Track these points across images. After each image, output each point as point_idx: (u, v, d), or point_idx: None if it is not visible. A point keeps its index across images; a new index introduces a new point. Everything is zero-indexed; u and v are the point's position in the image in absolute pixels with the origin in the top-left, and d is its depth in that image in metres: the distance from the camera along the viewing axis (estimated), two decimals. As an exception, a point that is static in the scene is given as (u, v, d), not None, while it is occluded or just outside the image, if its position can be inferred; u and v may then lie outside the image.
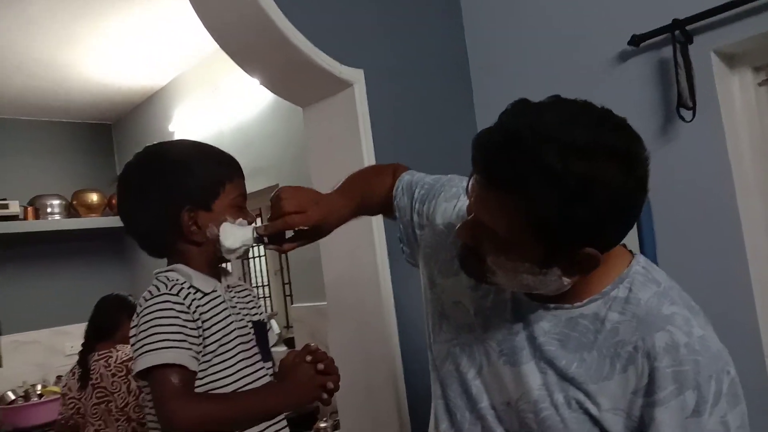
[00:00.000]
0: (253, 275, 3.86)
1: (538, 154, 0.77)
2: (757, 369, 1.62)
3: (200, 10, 1.77)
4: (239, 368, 1.16)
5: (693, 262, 1.72)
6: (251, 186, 3.95)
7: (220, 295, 1.19)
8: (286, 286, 3.55)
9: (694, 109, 1.66)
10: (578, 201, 0.77)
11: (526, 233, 0.81)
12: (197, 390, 1.10)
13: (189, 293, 1.13)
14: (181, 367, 1.05)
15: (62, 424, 2.27)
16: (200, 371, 1.11)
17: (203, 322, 1.12)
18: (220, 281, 1.22)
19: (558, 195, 0.77)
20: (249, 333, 1.21)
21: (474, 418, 1.02)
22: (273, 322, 3.43)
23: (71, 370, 2.29)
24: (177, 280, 1.15)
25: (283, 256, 3.49)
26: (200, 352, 1.11)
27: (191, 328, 1.10)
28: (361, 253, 1.87)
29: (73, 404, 2.23)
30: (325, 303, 2.03)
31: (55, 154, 4.34)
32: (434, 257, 1.13)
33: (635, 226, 1.79)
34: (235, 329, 1.17)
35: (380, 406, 1.85)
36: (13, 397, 3.57)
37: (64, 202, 3.93)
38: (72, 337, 3.95)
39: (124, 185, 1.22)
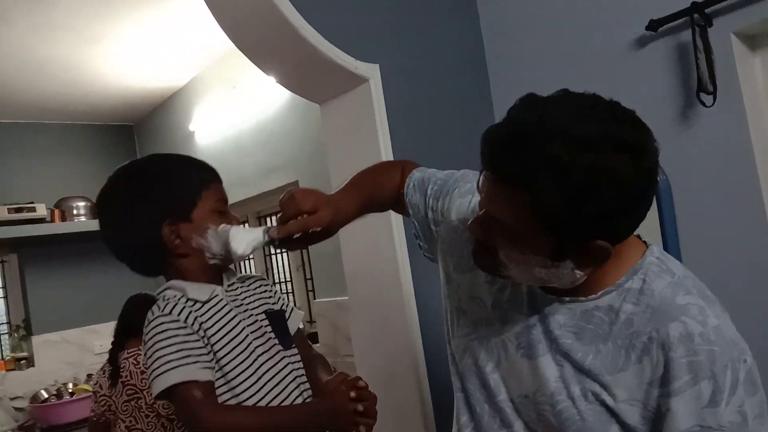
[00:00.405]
0: (275, 271, 3.89)
1: (544, 147, 0.77)
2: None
3: (215, 9, 1.78)
4: (259, 363, 1.16)
5: (716, 250, 1.70)
6: (270, 183, 3.96)
7: (221, 299, 1.18)
8: (308, 282, 3.57)
9: (714, 93, 1.63)
10: (586, 194, 0.77)
11: (535, 227, 0.82)
12: (224, 395, 1.11)
13: (185, 307, 1.13)
14: (193, 382, 1.06)
15: (94, 421, 2.32)
16: (220, 377, 1.12)
17: (206, 330, 1.12)
18: (221, 283, 1.22)
19: (566, 188, 0.77)
20: (261, 326, 1.21)
21: (493, 411, 1.03)
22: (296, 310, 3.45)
23: (102, 368, 2.33)
24: (173, 296, 1.15)
25: (305, 252, 3.51)
26: (212, 359, 1.11)
27: (193, 341, 1.10)
28: (380, 246, 1.88)
29: (104, 401, 2.27)
30: (347, 298, 2.04)
31: (79, 156, 4.41)
32: (450, 253, 1.13)
33: (657, 214, 1.78)
34: (244, 327, 1.17)
35: (403, 399, 1.86)
36: (46, 395, 3.65)
37: (89, 204, 4.00)
38: (101, 335, 4.03)
39: (101, 212, 1.22)
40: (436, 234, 1.18)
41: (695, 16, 1.65)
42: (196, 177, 1.20)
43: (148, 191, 1.17)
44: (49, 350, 3.99)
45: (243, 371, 1.14)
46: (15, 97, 3.76)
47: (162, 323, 1.11)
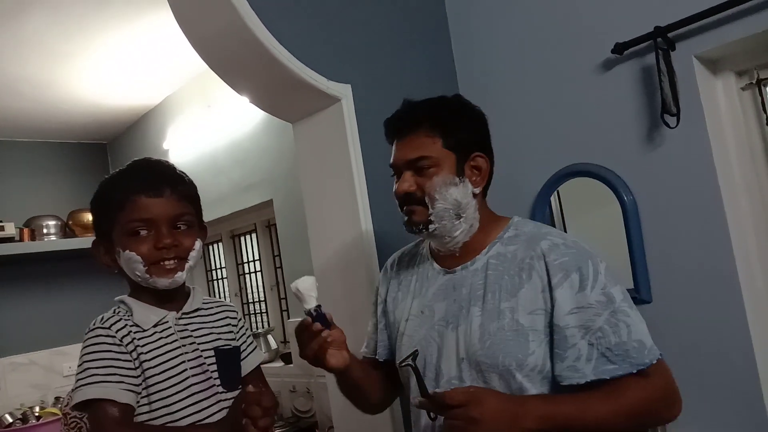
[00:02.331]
0: (249, 290, 3.86)
1: (442, 103, 1.29)
2: (747, 368, 1.62)
3: (187, 28, 1.79)
4: (192, 402, 1.13)
5: (681, 266, 1.74)
6: (245, 201, 3.92)
7: (169, 327, 1.16)
8: (282, 301, 3.55)
9: (678, 115, 1.67)
10: (468, 121, 1.27)
11: (443, 152, 1.22)
12: (148, 421, 1.10)
13: (126, 325, 1.12)
14: (111, 401, 1.05)
15: (61, 445, 2.27)
16: (148, 403, 1.10)
17: (140, 355, 1.11)
18: (180, 306, 1.19)
19: (458, 121, 1.25)
20: (204, 363, 1.16)
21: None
22: (269, 338, 3.42)
23: (73, 389, 2.29)
24: (123, 312, 1.15)
25: (279, 271, 3.49)
26: (140, 384, 1.10)
27: (124, 360, 1.09)
28: (353, 267, 1.88)
29: (74, 423, 2.22)
30: (320, 317, 2.03)
31: (50, 174, 4.34)
32: (393, 300, 1.41)
33: (624, 232, 1.81)
34: (184, 361, 1.14)
35: (377, 417, 1.84)
36: (11, 419, 3.54)
37: (59, 223, 3.93)
38: (70, 357, 3.94)
39: None
40: (386, 313, 1.43)
41: (659, 40, 1.70)
42: (116, 196, 1.16)
43: (93, 209, 1.22)
44: (16, 373, 3.88)
45: (173, 403, 1.11)
46: (-16, 114, 3.71)
47: (99, 335, 1.10)
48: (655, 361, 1.11)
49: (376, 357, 1.43)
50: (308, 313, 1.18)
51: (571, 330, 1.12)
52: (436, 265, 1.33)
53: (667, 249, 1.77)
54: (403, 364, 1.16)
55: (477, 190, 1.26)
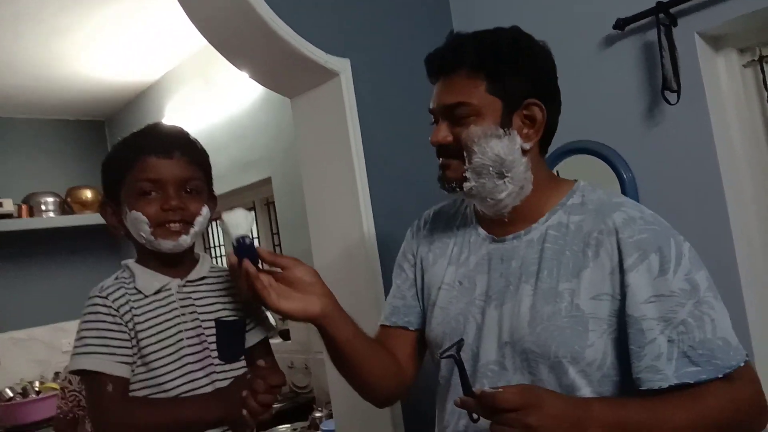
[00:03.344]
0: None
1: (487, 38, 1.08)
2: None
3: (186, 3, 1.77)
4: (183, 372, 1.11)
5: (680, 245, 1.73)
6: (245, 179, 3.92)
7: (170, 294, 1.14)
8: (282, 279, 3.55)
9: (678, 92, 1.66)
10: (521, 59, 1.06)
11: (488, 98, 1.04)
12: (141, 392, 1.09)
13: (126, 293, 1.11)
14: (105, 374, 1.05)
15: (60, 418, 2.28)
16: (140, 374, 1.10)
17: (136, 324, 1.10)
18: (183, 275, 1.17)
19: (507, 59, 1.05)
20: (203, 333, 1.14)
21: (474, 380, 1.06)
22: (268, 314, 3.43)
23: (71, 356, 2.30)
24: (123, 278, 1.14)
25: (278, 248, 3.49)
26: (133, 355, 1.09)
27: (118, 332, 1.08)
28: (349, 240, 1.88)
29: (73, 397, 2.23)
30: (318, 293, 2.03)
31: (48, 151, 4.34)
32: (425, 262, 1.23)
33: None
34: (180, 330, 1.12)
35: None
36: (11, 394, 3.58)
37: (58, 200, 3.94)
38: (69, 333, 3.94)
39: None
40: (419, 274, 1.25)
41: (660, 15, 1.68)
42: (126, 156, 1.16)
43: (103, 169, 1.21)
44: (16, 348, 3.92)
45: (166, 373, 1.10)
46: (-19, 90, 3.69)
47: (95, 304, 1.09)
48: (742, 364, 0.95)
49: (405, 326, 1.23)
50: (233, 243, 1.03)
51: (649, 322, 0.95)
52: (481, 231, 1.15)
53: (666, 227, 1.76)
54: (445, 354, 0.99)
55: (528, 146, 1.06)
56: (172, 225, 1.12)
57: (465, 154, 1.05)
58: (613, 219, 1.01)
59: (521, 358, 1.01)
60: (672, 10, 1.67)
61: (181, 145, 1.16)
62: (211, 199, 1.23)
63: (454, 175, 1.07)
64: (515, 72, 1.05)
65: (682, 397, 0.93)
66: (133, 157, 1.14)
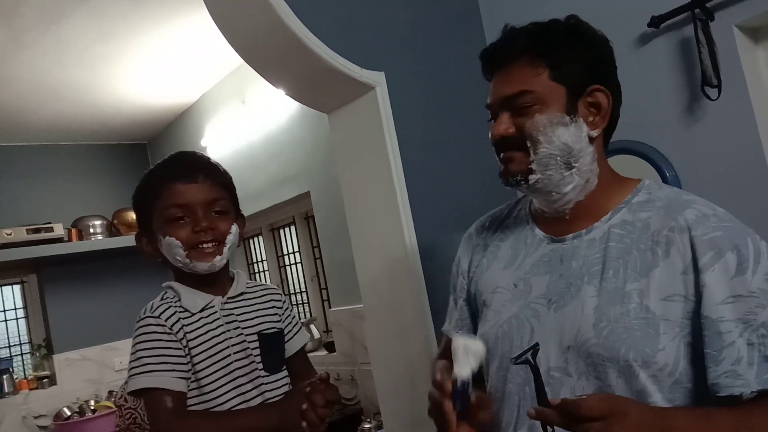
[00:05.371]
0: (290, 282, 3.92)
1: (549, 27, 1.06)
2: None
3: (222, 25, 1.82)
4: (234, 386, 1.16)
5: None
6: (283, 195, 3.97)
7: (215, 311, 1.19)
8: (323, 291, 3.59)
9: (719, 86, 1.63)
10: (583, 46, 1.03)
11: (551, 84, 1.00)
12: (195, 406, 1.13)
13: (175, 312, 1.15)
14: (164, 390, 1.09)
15: (118, 435, 2.35)
16: (195, 388, 1.14)
17: (189, 341, 1.14)
18: (225, 290, 1.22)
19: (569, 46, 1.02)
20: (248, 347, 1.20)
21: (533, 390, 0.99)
22: (312, 327, 3.47)
23: (125, 382, 2.37)
24: (169, 298, 1.18)
25: (319, 261, 3.53)
26: (189, 370, 1.13)
27: (174, 348, 1.12)
28: (393, 253, 1.89)
29: (129, 414, 2.30)
30: (362, 306, 2.05)
31: (94, 175, 4.47)
32: (478, 271, 1.19)
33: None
34: (228, 345, 1.17)
35: (420, 406, 1.86)
36: (69, 413, 3.68)
37: (105, 222, 4.05)
38: (120, 352, 4.08)
39: None
40: (469, 285, 1.22)
41: (696, 10, 1.65)
42: (153, 186, 1.22)
43: (134, 202, 1.27)
44: (71, 368, 4.04)
45: (217, 388, 1.15)
46: (29, 119, 3.83)
47: (149, 324, 1.14)
48: None
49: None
50: (454, 381, 0.95)
51: (727, 324, 0.88)
52: (538, 231, 1.11)
53: (713, 224, 1.73)
54: (519, 360, 0.91)
55: (595, 133, 1.02)
56: (205, 246, 1.17)
57: (529, 145, 1.00)
58: (684, 216, 0.96)
59: (586, 362, 0.95)
60: (708, 4, 1.65)
61: (204, 169, 1.22)
62: (239, 217, 1.29)
63: (518, 167, 1.02)
64: (577, 58, 1.02)
65: (764, 405, 0.87)
66: (160, 185, 1.20)
